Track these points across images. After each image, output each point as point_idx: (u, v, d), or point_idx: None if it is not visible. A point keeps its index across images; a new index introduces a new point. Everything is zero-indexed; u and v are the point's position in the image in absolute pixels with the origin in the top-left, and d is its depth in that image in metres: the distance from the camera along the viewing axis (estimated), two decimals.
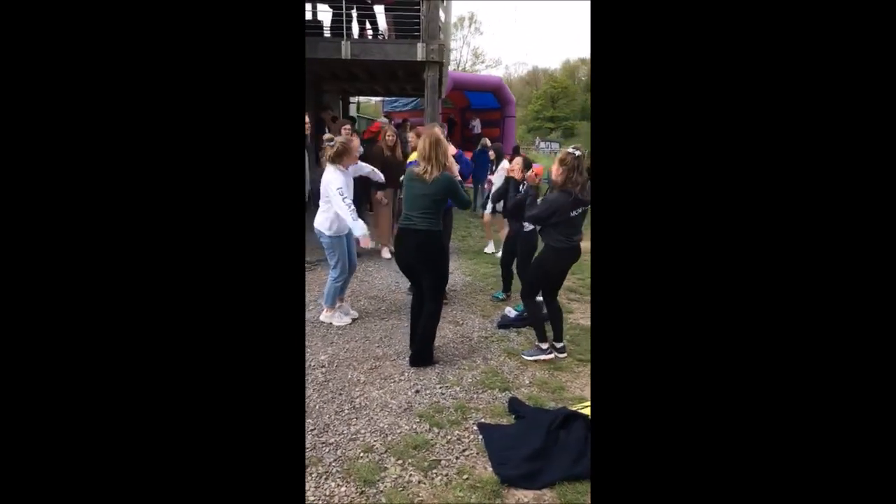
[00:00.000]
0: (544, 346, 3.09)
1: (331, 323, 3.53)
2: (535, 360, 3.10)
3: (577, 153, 2.88)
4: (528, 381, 2.88)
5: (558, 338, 3.17)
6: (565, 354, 3.18)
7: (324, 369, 2.92)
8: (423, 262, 2.89)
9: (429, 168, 2.79)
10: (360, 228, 3.15)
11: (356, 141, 3.52)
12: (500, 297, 4.23)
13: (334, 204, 3.24)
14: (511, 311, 3.85)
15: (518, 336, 3.53)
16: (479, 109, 13.00)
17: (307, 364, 2.98)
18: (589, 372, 3.03)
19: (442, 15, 6.03)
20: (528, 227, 3.94)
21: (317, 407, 2.53)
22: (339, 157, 3.35)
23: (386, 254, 5.33)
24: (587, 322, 3.86)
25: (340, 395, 2.66)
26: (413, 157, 4.24)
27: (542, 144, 26.77)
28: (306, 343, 3.21)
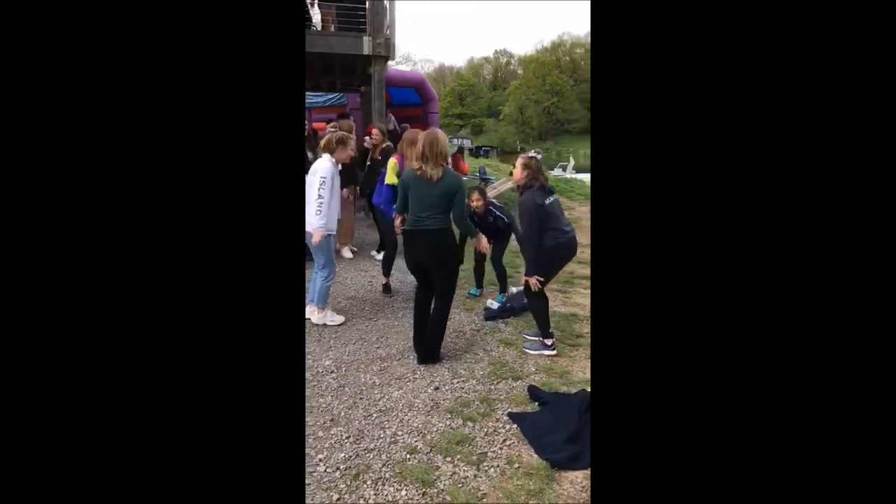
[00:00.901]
0: (549, 341, 3.19)
1: (325, 324, 3.38)
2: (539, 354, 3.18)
3: (539, 157, 3.27)
4: (533, 369, 2.98)
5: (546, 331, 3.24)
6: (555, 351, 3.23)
7: (334, 374, 2.80)
8: (437, 261, 2.85)
9: (425, 167, 2.76)
10: (313, 224, 3.17)
11: (353, 140, 3.38)
12: (476, 293, 4.29)
13: (308, 193, 3.14)
14: (493, 303, 3.93)
15: (507, 326, 3.62)
16: (401, 105, 12.92)
17: (315, 370, 2.84)
18: (583, 355, 3.20)
19: (387, 9, 5.93)
20: (503, 221, 4.03)
21: (342, 414, 2.43)
22: (333, 147, 3.22)
23: (347, 253, 5.17)
24: (563, 309, 4.05)
25: (361, 399, 2.57)
26: (389, 176, 4.04)
27: (456, 141, 27.23)
28: (305, 348, 3.05)
